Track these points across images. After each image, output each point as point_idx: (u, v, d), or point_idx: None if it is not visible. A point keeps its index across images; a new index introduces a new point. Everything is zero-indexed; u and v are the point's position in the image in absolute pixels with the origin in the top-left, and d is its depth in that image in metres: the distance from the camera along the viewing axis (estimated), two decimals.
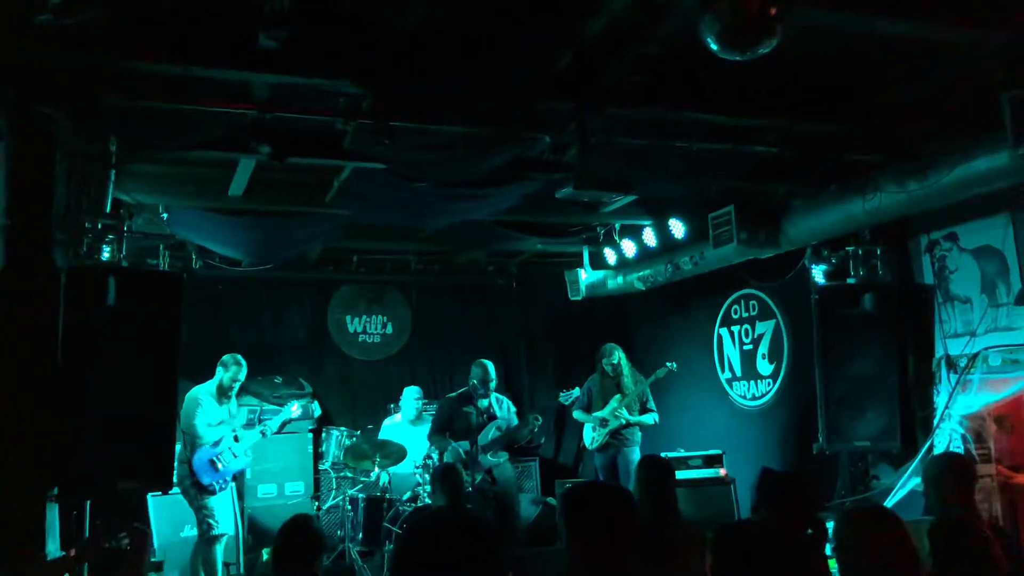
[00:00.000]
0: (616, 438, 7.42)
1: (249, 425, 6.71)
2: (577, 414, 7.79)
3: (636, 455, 7.27)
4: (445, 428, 7.05)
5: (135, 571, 3.54)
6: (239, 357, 6.55)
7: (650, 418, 7.48)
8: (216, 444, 6.30)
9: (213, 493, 6.19)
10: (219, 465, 6.24)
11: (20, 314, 4.18)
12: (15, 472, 4.09)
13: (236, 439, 6.45)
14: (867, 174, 5.45)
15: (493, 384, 7.04)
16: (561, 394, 7.15)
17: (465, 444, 6.91)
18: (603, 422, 7.44)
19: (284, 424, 7.15)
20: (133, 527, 3.69)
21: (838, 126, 5.09)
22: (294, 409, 7.10)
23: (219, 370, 6.49)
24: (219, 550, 6.22)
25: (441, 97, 4.32)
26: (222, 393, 6.48)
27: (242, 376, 6.52)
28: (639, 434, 7.49)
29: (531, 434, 7.20)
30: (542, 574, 5.21)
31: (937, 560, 3.10)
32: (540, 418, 7.11)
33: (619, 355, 7.52)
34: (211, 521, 6.14)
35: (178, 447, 5.97)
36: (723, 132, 4.99)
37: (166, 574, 5.31)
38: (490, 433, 6.97)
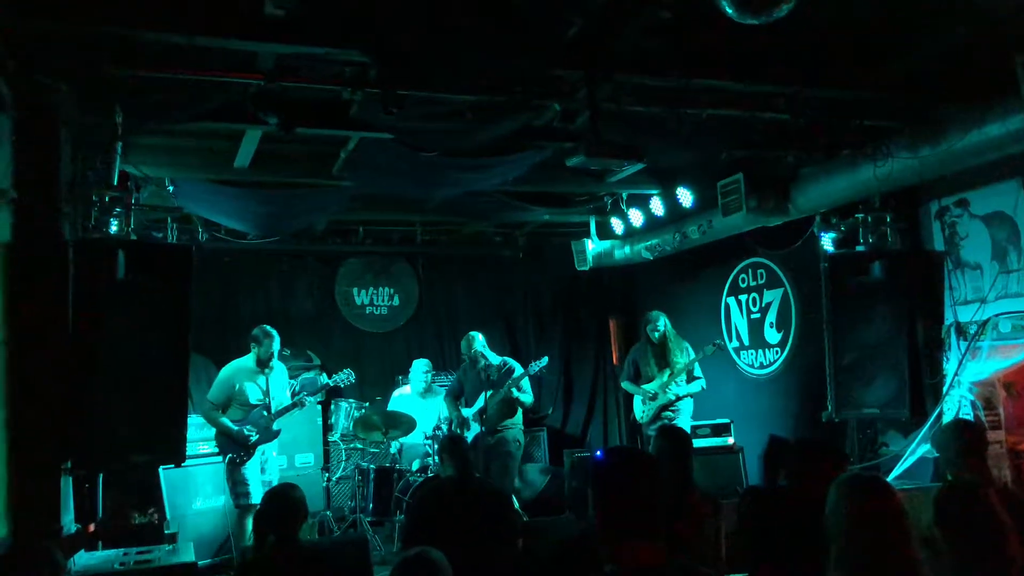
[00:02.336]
0: (666, 412, 7.38)
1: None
2: (626, 385, 7.80)
3: (687, 427, 7.22)
4: (455, 396, 7.50)
5: None
6: (267, 328, 6.58)
7: (697, 386, 7.47)
8: (240, 420, 6.41)
9: (240, 464, 6.32)
10: (239, 439, 6.36)
11: (30, 288, 4.18)
12: (29, 445, 4.11)
13: (268, 409, 6.51)
14: (878, 140, 5.40)
15: (477, 351, 7.23)
16: (531, 364, 7.19)
17: (467, 411, 7.26)
18: (653, 396, 7.43)
19: (323, 389, 7.28)
20: None
21: (850, 92, 5.03)
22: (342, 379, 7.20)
23: (252, 345, 6.55)
24: (250, 521, 6.30)
25: (449, 65, 4.27)
26: (261, 366, 6.55)
27: (276, 347, 6.56)
28: (690, 405, 7.46)
29: (508, 391, 7.18)
30: (551, 543, 5.24)
31: (939, 525, 3.11)
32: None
33: (664, 322, 7.49)
34: (243, 490, 6.28)
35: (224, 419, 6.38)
36: (734, 99, 4.93)
37: (180, 545, 5.35)
38: (481, 402, 7.14)
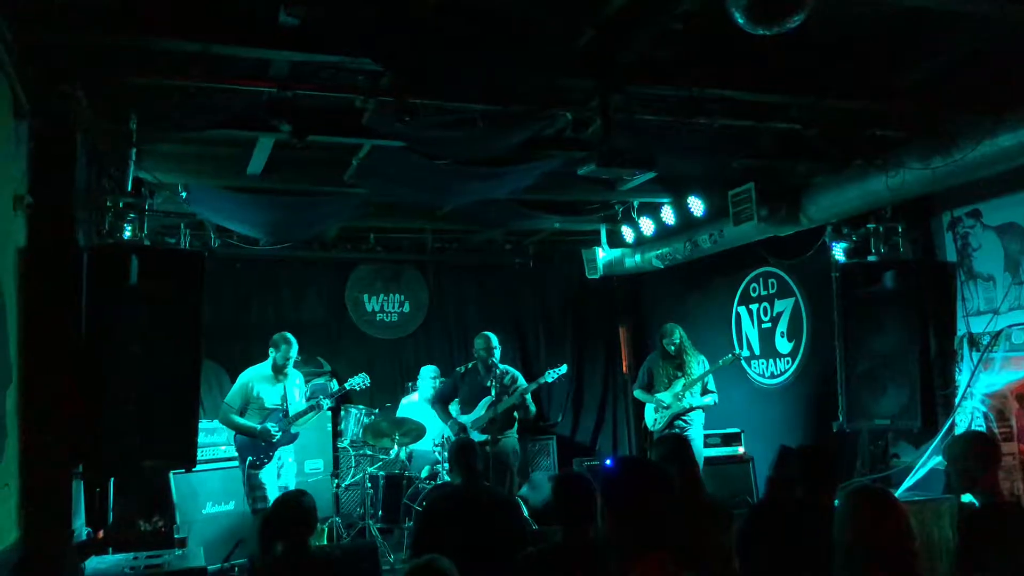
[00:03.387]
0: (679, 421, 7.36)
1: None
2: (638, 394, 7.77)
3: (699, 438, 7.23)
4: (445, 399, 7.34)
5: None
6: (287, 335, 6.71)
7: (711, 399, 7.42)
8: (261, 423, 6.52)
9: (259, 468, 6.40)
10: (261, 441, 6.47)
11: (43, 292, 4.21)
12: (41, 450, 4.13)
13: (285, 414, 6.60)
14: (890, 151, 5.39)
15: (497, 353, 7.12)
16: (548, 372, 7.17)
17: (465, 418, 7.12)
18: (666, 405, 7.42)
19: (340, 393, 7.27)
20: None
21: (862, 102, 5.03)
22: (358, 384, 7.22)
23: (271, 351, 6.67)
24: None
25: (462, 74, 4.28)
26: (277, 372, 6.67)
27: (293, 354, 6.68)
28: (702, 417, 7.41)
29: (520, 398, 7.10)
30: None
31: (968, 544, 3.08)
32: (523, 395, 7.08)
33: (680, 334, 7.46)
34: (260, 495, 6.36)
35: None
36: (746, 109, 4.93)
37: (189, 550, 5.37)
38: (482, 410, 7.06)
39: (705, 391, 7.43)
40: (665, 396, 7.40)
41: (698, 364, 7.41)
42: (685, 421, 7.34)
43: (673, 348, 7.42)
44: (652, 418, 7.55)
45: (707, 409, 7.45)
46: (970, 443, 3.82)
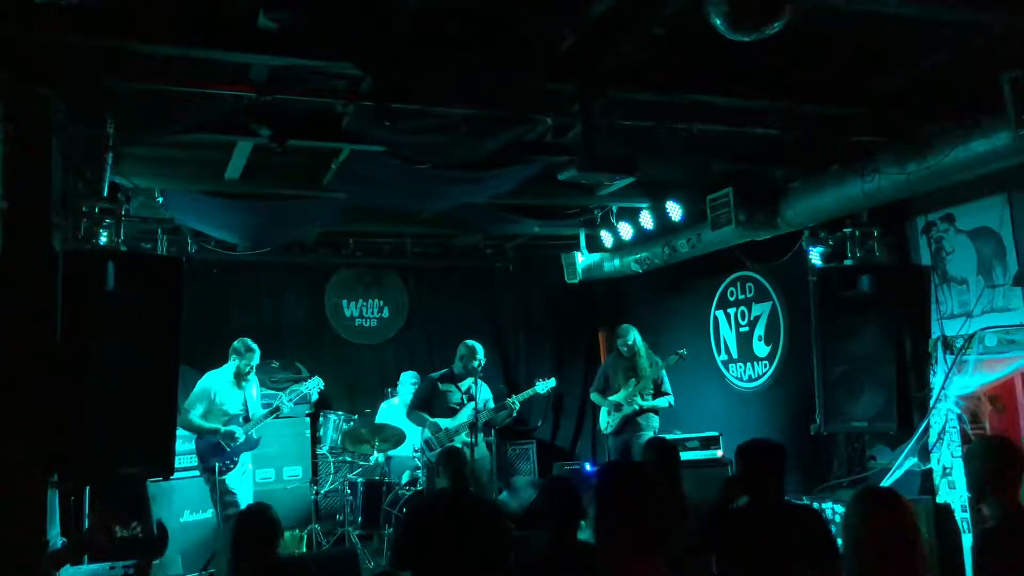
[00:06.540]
0: (630, 424, 7.41)
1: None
2: (594, 396, 7.84)
3: None
4: (424, 406, 7.15)
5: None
6: (248, 342, 6.62)
7: (664, 401, 7.48)
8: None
9: (224, 474, 6.30)
10: (225, 447, 6.37)
11: (19, 298, 4.15)
12: (15, 458, 4.06)
13: (247, 419, 6.53)
14: (866, 156, 5.45)
15: (478, 365, 7.03)
16: (538, 383, 7.21)
17: (446, 422, 6.97)
18: (617, 407, 7.46)
19: (298, 395, 7.13)
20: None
21: (839, 108, 5.09)
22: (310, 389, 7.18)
23: (232, 357, 6.58)
24: None
25: (442, 79, 4.28)
26: (239, 378, 6.59)
27: (255, 361, 6.60)
28: (656, 420, 7.46)
29: (508, 418, 7.26)
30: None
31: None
32: (518, 403, 7.14)
33: (634, 336, 7.53)
34: (231, 500, 6.29)
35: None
36: (725, 114, 4.97)
37: (167, 559, 5.30)
38: (466, 414, 6.98)
39: (660, 393, 7.48)
40: (616, 397, 7.46)
41: (651, 366, 7.47)
42: (631, 423, 7.39)
43: (626, 349, 7.50)
44: (605, 420, 7.63)
45: (662, 411, 7.51)
46: (988, 452, 3.35)
